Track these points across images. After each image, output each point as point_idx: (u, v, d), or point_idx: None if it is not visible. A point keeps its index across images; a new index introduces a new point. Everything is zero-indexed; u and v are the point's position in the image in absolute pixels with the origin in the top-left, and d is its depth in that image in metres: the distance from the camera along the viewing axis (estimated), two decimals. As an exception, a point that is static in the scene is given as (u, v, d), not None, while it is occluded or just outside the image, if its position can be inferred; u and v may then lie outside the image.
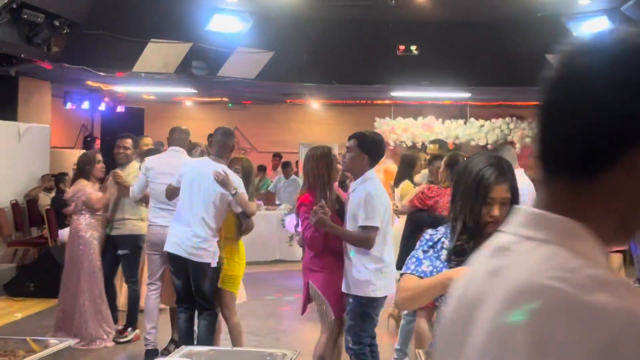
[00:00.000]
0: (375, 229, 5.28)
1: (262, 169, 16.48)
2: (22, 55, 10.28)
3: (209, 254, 6.26)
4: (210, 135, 6.53)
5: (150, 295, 7.18)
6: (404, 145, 15.15)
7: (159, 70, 11.97)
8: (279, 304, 6.04)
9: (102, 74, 12.00)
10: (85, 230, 7.71)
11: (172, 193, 6.47)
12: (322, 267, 5.63)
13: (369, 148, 5.38)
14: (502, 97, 16.15)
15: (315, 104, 18.32)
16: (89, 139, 16.32)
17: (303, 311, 5.86)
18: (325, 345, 5.79)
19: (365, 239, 5.32)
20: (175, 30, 11.50)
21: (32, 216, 12.27)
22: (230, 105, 18.46)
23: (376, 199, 5.30)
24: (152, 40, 11.52)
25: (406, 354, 6.94)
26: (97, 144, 15.39)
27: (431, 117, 15.37)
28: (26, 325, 8.72)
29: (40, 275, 10.27)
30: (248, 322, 6.90)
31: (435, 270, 3.08)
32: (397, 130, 15.22)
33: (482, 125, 15.16)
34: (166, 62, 11.88)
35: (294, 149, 17.11)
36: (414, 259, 3.14)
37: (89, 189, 7.70)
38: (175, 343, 6.89)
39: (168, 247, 6.32)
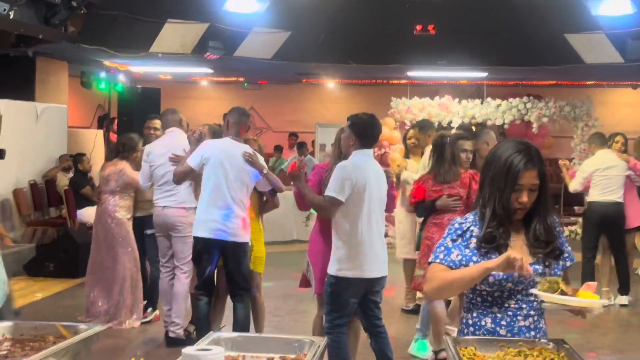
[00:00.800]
0: (335, 200, 5.33)
1: (278, 148, 16.49)
2: (40, 36, 10.29)
3: (248, 234, 6.30)
4: (225, 115, 6.51)
5: (164, 278, 7.25)
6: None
7: (175, 50, 11.96)
8: (296, 285, 6.09)
9: (119, 54, 11.98)
10: (119, 210, 7.76)
11: (185, 176, 6.39)
12: (317, 241, 5.78)
13: (359, 130, 5.46)
14: (519, 77, 16.06)
15: (331, 84, 18.28)
16: (103, 117, 16.35)
17: (301, 285, 5.99)
18: (314, 321, 5.97)
19: (321, 206, 5.50)
20: (192, 11, 11.47)
21: (51, 196, 12.34)
22: (245, 84, 18.45)
23: (343, 173, 5.36)
24: (169, 20, 11.51)
25: (426, 335, 6.97)
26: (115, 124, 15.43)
27: (448, 97, 15.30)
28: (47, 306, 8.81)
29: (60, 255, 10.36)
30: (267, 302, 6.93)
31: (464, 259, 3.06)
32: (413, 110, 15.16)
33: (499, 105, 15.07)
34: (183, 42, 11.86)
35: (310, 128, 17.11)
36: (442, 248, 3.11)
37: (129, 170, 7.73)
38: (194, 324, 6.94)
39: (205, 233, 6.18)
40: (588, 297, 2.91)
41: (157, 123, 8.00)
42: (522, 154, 3.04)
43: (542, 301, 2.98)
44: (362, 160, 5.48)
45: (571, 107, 14.91)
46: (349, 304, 5.48)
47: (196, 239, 6.27)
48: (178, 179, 6.43)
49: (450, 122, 14.99)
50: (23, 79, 12.42)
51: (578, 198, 14.06)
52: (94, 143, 14.30)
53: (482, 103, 15.22)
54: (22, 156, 11.76)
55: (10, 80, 12.11)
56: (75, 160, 12.27)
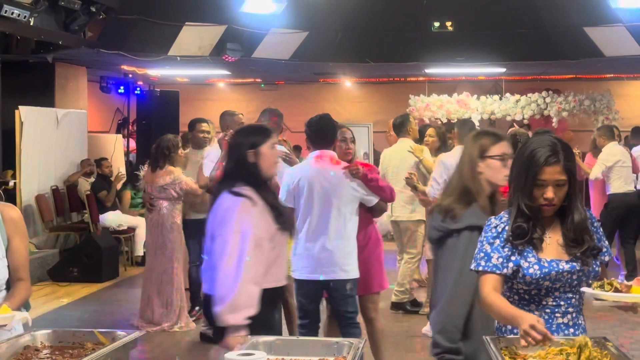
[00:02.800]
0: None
1: (297, 148, 16.50)
2: (60, 42, 10.33)
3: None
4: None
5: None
6: (440, 122, 15.04)
7: (194, 53, 11.97)
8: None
9: (138, 58, 12.02)
10: (176, 216, 7.80)
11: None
12: None
13: (308, 132, 5.56)
14: (538, 71, 15.96)
15: (348, 83, 18.25)
16: (123, 122, 16.42)
17: None
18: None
19: None
20: (210, 13, 11.48)
21: (72, 201, 12.39)
22: (262, 85, 18.45)
23: (285, 179, 5.55)
24: (187, 23, 11.52)
25: None
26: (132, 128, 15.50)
27: (466, 94, 15.24)
28: (73, 311, 8.86)
29: (83, 260, 10.41)
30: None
31: (504, 260, 3.05)
32: (432, 107, 15.12)
33: (518, 100, 15.00)
34: (201, 45, 11.88)
35: (328, 128, 17.07)
36: (482, 254, 3.10)
37: (185, 179, 7.75)
38: None
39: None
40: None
41: (207, 126, 8.12)
42: (546, 149, 3.01)
43: (596, 299, 2.94)
44: (307, 162, 5.57)
45: (591, 101, 14.82)
46: (302, 305, 5.56)
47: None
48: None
49: (469, 118, 14.93)
50: (43, 85, 12.48)
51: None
52: (114, 147, 14.39)
53: (500, 99, 15.15)
54: (44, 162, 11.82)
55: (30, 86, 12.18)
56: (96, 165, 12.35)
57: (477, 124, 14.75)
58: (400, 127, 8.78)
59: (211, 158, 7.22)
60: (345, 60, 13.66)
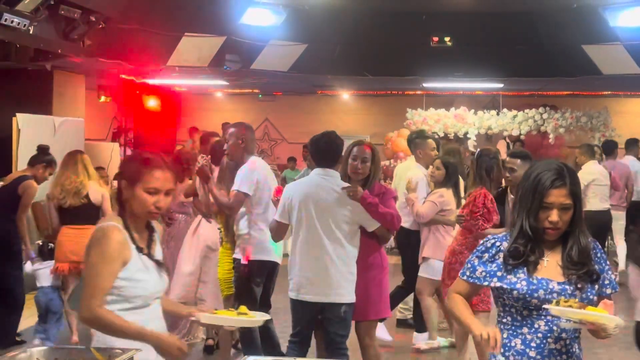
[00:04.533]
0: (273, 222, 5.54)
1: (292, 160, 16.50)
2: (59, 51, 10.33)
3: None
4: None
5: None
6: (436, 136, 15.06)
7: (193, 64, 12.00)
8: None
9: (137, 68, 12.03)
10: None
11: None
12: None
13: (311, 150, 5.62)
14: (535, 87, 16.01)
15: (345, 95, 18.28)
16: (115, 131, 16.40)
17: None
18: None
19: (272, 229, 5.64)
20: (209, 24, 11.51)
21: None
22: (260, 96, 18.48)
23: (284, 192, 5.56)
24: (186, 34, 11.54)
25: None
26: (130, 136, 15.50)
27: (463, 108, 15.27)
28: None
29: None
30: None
31: (487, 275, 3.11)
32: (429, 121, 15.14)
33: (515, 116, 15.02)
34: (200, 55, 11.90)
35: (325, 140, 17.09)
36: (469, 265, 3.19)
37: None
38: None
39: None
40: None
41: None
42: (552, 172, 3.03)
43: (567, 320, 2.95)
44: (309, 179, 5.48)
45: (588, 118, 14.85)
46: (296, 322, 5.48)
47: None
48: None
49: (466, 133, 14.97)
50: (41, 93, 12.45)
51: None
52: (111, 155, 14.35)
53: (497, 114, 15.18)
54: (40, 170, 11.78)
55: (28, 94, 12.15)
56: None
57: (473, 138, 14.80)
58: (416, 147, 8.73)
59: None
60: (344, 74, 13.71)
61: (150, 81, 14.72)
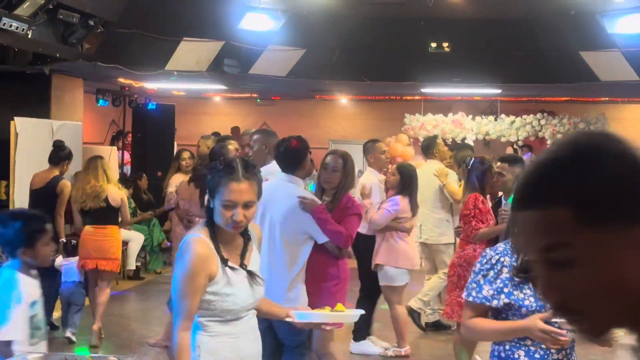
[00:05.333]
0: None
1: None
2: (58, 55, 10.34)
3: None
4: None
5: None
6: (450, 142, 15.12)
7: (191, 68, 12.00)
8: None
9: (135, 72, 12.03)
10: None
11: None
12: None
13: (275, 154, 5.59)
14: (533, 93, 16.03)
15: (344, 100, 18.30)
16: (117, 134, 16.40)
17: None
18: None
19: None
20: (208, 29, 11.51)
21: (66, 213, 12.32)
22: (258, 100, 18.48)
23: None
24: (184, 38, 11.55)
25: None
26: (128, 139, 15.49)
27: (461, 114, 15.30)
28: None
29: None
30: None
31: (495, 293, 3.05)
32: (427, 127, 15.16)
33: (513, 122, 15.05)
34: (198, 60, 11.90)
35: (323, 144, 17.09)
36: (474, 285, 3.11)
37: None
38: None
39: None
40: None
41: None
42: None
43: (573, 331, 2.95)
44: (272, 184, 5.34)
45: (586, 124, 14.88)
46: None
47: None
48: None
49: (464, 138, 14.98)
50: (39, 97, 12.45)
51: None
52: (109, 159, 14.32)
53: (495, 119, 15.20)
54: (38, 173, 11.78)
55: (26, 97, 12.16)
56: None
57: (471, 144, 14.82)
58: (427, 149, 8.81)
59: None
60: (342, 79, 13.70)
61: (149, 85, 14.72)
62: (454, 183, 8.24)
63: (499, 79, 13.26)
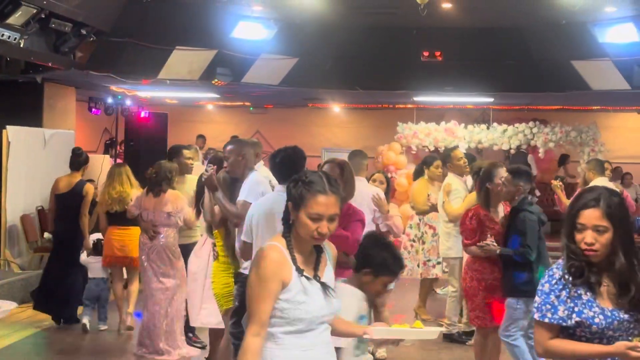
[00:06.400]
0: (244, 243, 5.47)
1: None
2: (50, 64, 10.34)
3: None
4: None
5: None
6: (427, 150, 15.13)
7: (183, 77, 12.02)
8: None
9: (127, 81, 12.04)
10: (176, 244, 7.73)
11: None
12: None
13: (271, 165, 5.56)
14: (525, 102, 16.09)
15: (337, 108, 18.33)
16: (110, 143, 16.39)
17: None
18: None
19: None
20: (201, 38, 11.53)
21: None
22: (251, 109, 18.51)
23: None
24: (177, 47, 11.56)
25: None
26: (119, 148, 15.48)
27: (454, 122, 15.33)
28: (56, 334, 8.78)
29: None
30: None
31: (568, 311, 3.06)
32: (419, 135, 15.19)
33: (505, 130, 15.09)
34: (191, 69, 11.92)
35: (316, 152, 17.12)
36: (548, 306, 3.10)
37: (187, 207, 7.73)
38: None
39: None
40: None
41: (191, 153, 8.31)
42: (590, 193, 3.07)
43: None
44: (268, 197, 5.37)
45: (577, 132, 14.93)
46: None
47: None
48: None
49: (456, 147, 14.99)
50: (31, 105, 12.44)
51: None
52: (102, 167, 14.32)
53: (488, 128, 15.24)
54: (30, 182, 11.77)
55: (18, 106, 12.14)
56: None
57: (463, 152, 14.84)
58: (444, 162, 8.86)
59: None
60: (335, 87, 13.74)
61: (141, 94, 14.73)
62: (458, 201, 8.21)
63: (491, 87, 13.32)
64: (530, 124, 15.18)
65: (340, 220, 5.26)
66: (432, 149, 15.13)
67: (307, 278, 3.16)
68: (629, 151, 16.62)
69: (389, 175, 14.89)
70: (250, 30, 11.71)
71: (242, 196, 5.75)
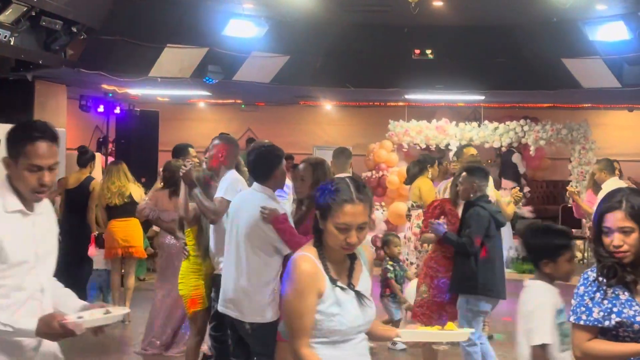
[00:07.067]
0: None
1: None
2: (40, 62, 10.30)
3: None
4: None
5: None
6: (418, 148, 15.16)
7: (174, 75, 11.99)
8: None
9: (118, 79, 12.01)
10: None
11: None
12: None
13: (246, 162, 5.63)
14: (516, 100, 16.12)
15: (328, 106, 18.32)
16: (102, 141, 16.34)
17: None
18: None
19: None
20: (192, 36, 11.51)
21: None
22: (243, 106, 18.47)
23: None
24: (168, 45, 11.54)
25: None
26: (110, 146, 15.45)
27: (445, 120, 15.35)
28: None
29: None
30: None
31: (605, 314, 3.07)
32: (411, 133, 15.20)
33: (497, 128, 15.11)
34: (182, 67, 11.90)
35: (307, 150, 17.10)
36: (583, 308, 3.12)
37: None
38: None
39: None
40: None
41: (194, 152, 8.21)
42: (613, 197, 3.09)
43: None
44: (243, 194, 5.46)
45: (568, 130, 14.95)
46: (216, 329, 5.74)
47: None
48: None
49: (448, 144, 15.04)
50: (22, 103, 12.38)
51: (575, 221, 14.15)
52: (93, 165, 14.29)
53: (479, 125, 15.26)
54: (21, 180, 11.72)
55: (8, 104, 12.07)
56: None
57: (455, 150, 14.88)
58: (457, 158, 8.79)
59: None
60: (326, 85, 13.74)
61: (132, 91, 14.69)
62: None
63: (482, 85, 13.34)
64: (522, 121, 15.20)
65: (309, 222, 5.22)
66: (423, 146, 15.14)
67: (342, 288, 3.06)
68: (620, 149, 16.63)
69: (381, 173, 14.94)
70: (242, 28, 11.69)
71: (220, 193, 5.76)
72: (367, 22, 12.32)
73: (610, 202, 3.07)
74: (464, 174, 6.41)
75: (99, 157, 15.10)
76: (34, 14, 9.19)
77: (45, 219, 3.37)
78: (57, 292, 3.41)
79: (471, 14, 12.00)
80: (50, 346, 3.29)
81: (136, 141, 14.39)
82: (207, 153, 6.21)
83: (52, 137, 3.28)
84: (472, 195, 6.27)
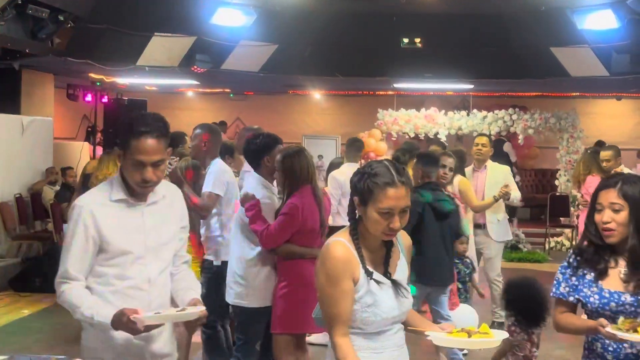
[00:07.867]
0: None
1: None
2: (27, 50, 10.24)
3: None
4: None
5: None
6: (407, 137, 15.15)
7: (162, 64, 11.94)
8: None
9: (106, 67, 11.96)
10: None
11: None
12: None
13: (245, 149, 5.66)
14: (505, 89, 16.14)
15: (317, 95, 18.31)
16: (91, 130, 16.28)
17: None
18: None
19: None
20: (180, 24, 11.45)
21: (36, 210, 12.25)
22: (231, 95, 18.44)
23: None
24: (156, 34, 11.48)
25: None
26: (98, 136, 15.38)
27: (434, 109, 15.35)
28: (34, 322, 8.75)
29: (46, 270, 10.27)
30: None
31: (569, 289, 3.25)
32: (400, 122, 15.20)
33: (485, 117, 15.12)
34: (170, 55, 11.85)
35: (297, 139, 17.09)
36: (555, 281, 3.32)
37: None
38: None
39: None
40: None
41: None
42: (614, 177, 3.20)
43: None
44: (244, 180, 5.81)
45: (556, 119, 14.98)
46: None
47: None
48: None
49: (437, 133, 15.05)
50: (8, 92, 12.35)
51: (564, 209, 14.19)
52: (80, 155, 14.25)
53: (468, 114, 15.27)
54: (8, 169, 11.69)
55: (-5, 93, 12.06)
56: (62, 174, 12.23)
57: (444, 139, 14.89)
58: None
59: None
60: (315, 74, 13.71)
61: (120, 80, 14.63)
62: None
63: (471, 74, 13.34)
64: (510, 110, 15.21)
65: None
66: (412, 135, 15.14)
67: (377, 281, 2.93)
68: (608, 137, 16.68)
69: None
70: (230, 16, 11.63)
71: (207, 187, 5.75)
72: (355, 10, 12.29)
73: (606, 182, 3.18)
74: (414, 160, 6.59)
75: (87, 147, 15.08)
76: (20, 2, 9.14)
77: (161, 209, 3.33)
78: (181, 284, 3.39)
79: (460, 3, 11.99)
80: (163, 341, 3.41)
81: (124, 130, 14.32)
82: (191, 142, 6.20)
83: (159, 132, 3.18)
84: (419, 181, 6.25)
